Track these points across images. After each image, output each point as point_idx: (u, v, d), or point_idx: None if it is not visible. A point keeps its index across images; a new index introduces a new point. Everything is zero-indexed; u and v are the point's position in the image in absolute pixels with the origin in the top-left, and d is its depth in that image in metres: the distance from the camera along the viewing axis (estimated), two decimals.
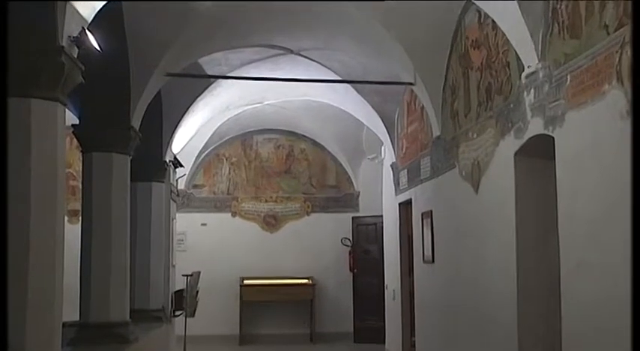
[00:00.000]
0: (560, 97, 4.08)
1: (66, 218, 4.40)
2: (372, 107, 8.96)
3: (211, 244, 11.91)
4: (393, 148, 9.16)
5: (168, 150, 8.52)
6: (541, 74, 4.31)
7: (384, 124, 9.12)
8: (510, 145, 4.95)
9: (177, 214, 9.99)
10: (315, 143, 12.53)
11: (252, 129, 12.20)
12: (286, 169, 12.60)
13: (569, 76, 3.95)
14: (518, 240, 4.84)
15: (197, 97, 8.43)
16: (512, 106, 4.92)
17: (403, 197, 8.70)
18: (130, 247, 6.11)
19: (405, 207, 8.68)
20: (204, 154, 12.15)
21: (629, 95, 3.28)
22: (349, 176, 12.54)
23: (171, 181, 9.11)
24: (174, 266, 9.18)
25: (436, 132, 6.94)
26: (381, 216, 10.40)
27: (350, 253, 12.02)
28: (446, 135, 6.68)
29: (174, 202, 9.64)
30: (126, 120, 6.06)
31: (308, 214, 12.53)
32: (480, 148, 5.65)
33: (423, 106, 7.42)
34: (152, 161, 8.00)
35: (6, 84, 3.47)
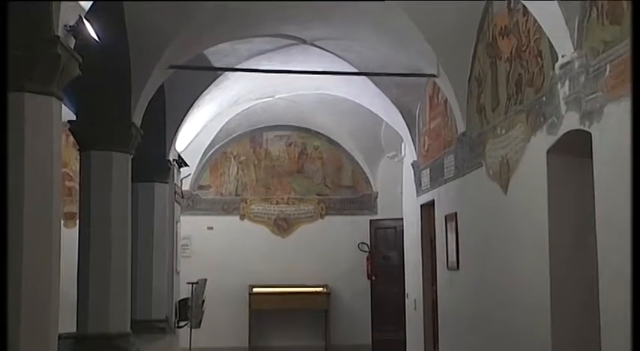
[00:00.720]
0: (597, 89, 4.03)
1: (62, 222, 4.40)
2: (392, 101, 8.95)
3: (218, 250, 11.93)
4: (414, 145, 9.14)
5: (172, 148, 8.54)
6: (577, 64, 4.26)
7: (405, 120, 9.11)
8: (542, 141, 4.91)
9: (181, 217, 10.02)
10: (329, 140, 12.53)
11: (262, 125, 12.22)
12: (299, 168, 12.61)
13: (608, 66, 3.90)
14: (551, 245, 4.81)
15: (203, 91, 8.45)
16: (544, 99, 4.88)
17: (425, 198, 8.67)
18: (131, 253, 6.13)
19: (428, 209, 8.65)
20: (210, 153, 12.18)
21: None
22: (366, 176, 12.53)
23: (175, 181, 9.14)
24: (178, 273, 9.20)
25: (461, 128, 6.91)
26: (401, 219, 10.37)
27: (368, 259, 12.00)
28: (471, 131, 6.65)
29: (179, 204, 9.66)
30: (126, 116, 6.08)
31: (322, 216, 12.52)
32: (509, 145, 5.62)
33: (446, 99, 7.40)
34: (154, 160, 8.04)
35: (6, 82, 3.46)
